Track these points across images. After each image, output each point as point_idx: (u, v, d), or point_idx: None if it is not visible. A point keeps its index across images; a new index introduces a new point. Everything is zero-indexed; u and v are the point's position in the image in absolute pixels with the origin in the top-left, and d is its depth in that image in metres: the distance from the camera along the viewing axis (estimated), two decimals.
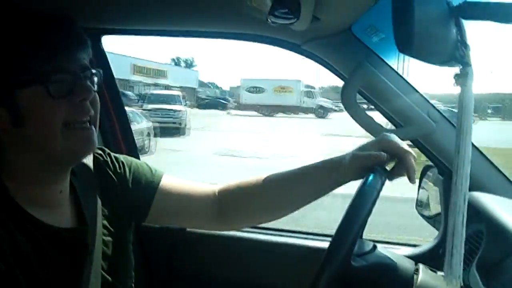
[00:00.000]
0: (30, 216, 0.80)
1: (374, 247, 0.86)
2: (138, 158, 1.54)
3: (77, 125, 0.80)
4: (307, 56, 1.22)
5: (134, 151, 1.57)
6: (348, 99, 1.06)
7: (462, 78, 0.63)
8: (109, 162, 1.00)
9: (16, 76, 0.76)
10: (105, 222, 0.92)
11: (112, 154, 1.02)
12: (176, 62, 64.87)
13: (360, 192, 0.78)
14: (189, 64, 67.39)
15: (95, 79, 0.84)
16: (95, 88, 0.84)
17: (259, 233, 1.48)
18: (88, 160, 0.96)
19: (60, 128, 0.77)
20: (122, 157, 1.03)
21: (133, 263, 0.98)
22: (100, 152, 1.00)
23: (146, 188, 1.01)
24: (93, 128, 0.83)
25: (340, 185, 0.90)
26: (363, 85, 1.09)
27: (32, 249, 0.77)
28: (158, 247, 1.44)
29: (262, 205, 1.01)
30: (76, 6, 0.98)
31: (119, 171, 1.00)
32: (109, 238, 0.92)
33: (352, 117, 1.09)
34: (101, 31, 1.29)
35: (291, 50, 1.23)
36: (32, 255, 0.77)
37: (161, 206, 1.01)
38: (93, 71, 0.84)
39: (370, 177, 0.83)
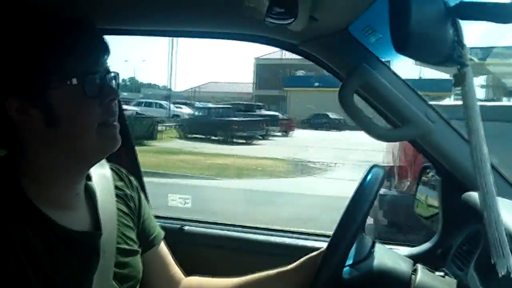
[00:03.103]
0: (45, 216, 0.81)
1: (373, 245, 0.86)
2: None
3: (108, 124, 0.84)
4: (305, 57, 1.22)
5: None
6: (345, 100, 1.06)
7: (461, 78, 0.63)
8: (125, 179, 1.04)
9: (49, 76, 0.78)
10: (122, 230, 0.94)
11: (124, 170, 1.07)
12: None
13: (357, 194, 0.77)
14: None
15: (115, 81, 0.88)
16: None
17: (259, 233, 1.48)
18: (106, 170, 0.98)
19: (95, 128, 0.81)
20: (134, 181, 1.07)
21: (141, 272, 0.98)
22: (114, 168, 1.04)
23: (150, 233, 1.04)
24: (118, 125, 0.87)
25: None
26: (361, 85, 1.09)
27: (44, 248, 0.78)
28: None
29: None
30: (76, 6, 0.98)
31: (133, 190, 1.04)
32: (124, 247, 0.93)
33: (351, 118, 1.08)
34: (100, 31, 1.29)
35: (288, 50, 1.23)
36: (44, 254, 0.78)
37: (148, 259, 1.02)
38: (112, 74, 0.87)
39: (368, 177, 0.83)
